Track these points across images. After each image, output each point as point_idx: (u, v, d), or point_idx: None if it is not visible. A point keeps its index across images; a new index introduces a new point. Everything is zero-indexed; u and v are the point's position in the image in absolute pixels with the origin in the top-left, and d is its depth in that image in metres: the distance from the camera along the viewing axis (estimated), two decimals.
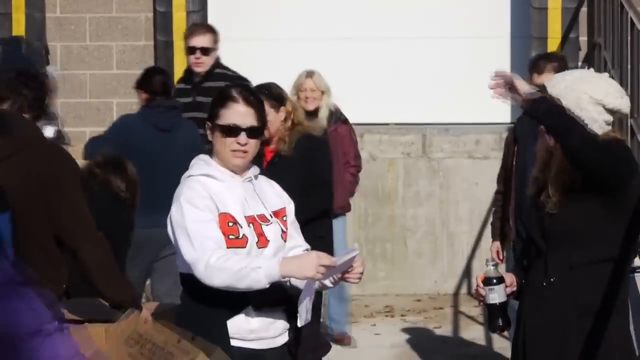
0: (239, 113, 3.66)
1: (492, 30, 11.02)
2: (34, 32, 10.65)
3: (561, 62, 6.96)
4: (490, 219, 7.69)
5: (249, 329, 3.67)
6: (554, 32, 10.54)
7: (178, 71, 9.70)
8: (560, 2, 10.52)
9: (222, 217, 3.65)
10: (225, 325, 3.68)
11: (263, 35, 11.10)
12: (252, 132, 3.65)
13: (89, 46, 10.63)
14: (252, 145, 3.72)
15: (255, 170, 3.90)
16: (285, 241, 3.80)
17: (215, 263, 3.53)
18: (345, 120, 8.58)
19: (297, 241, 3.87)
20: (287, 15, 11.42)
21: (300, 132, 6.55)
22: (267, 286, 3.52)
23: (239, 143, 3.62)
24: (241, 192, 3.75)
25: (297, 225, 4.02)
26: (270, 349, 3.78)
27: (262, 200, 3.79)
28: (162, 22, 10.64)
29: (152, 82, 7.65)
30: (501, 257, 6.77)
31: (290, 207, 3.94)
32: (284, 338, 3.74)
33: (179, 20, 10.47)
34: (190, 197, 3.73)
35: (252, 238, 3.63)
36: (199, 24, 9.07)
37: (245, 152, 3.66)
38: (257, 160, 6.05)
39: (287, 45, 11.25)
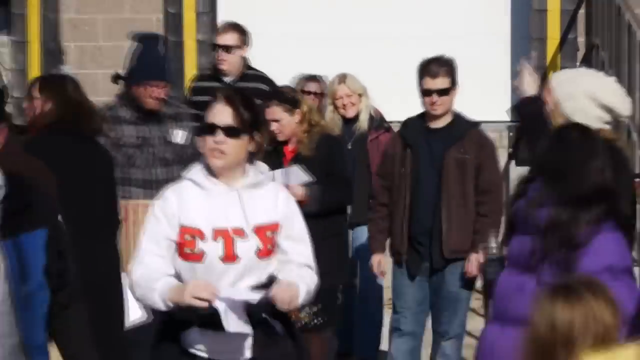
0: (217, 112, 3.64)
1: (491, 30, 11.20)
2: (49, 33, 10.95)
3: (452, 65, 6.82)
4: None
5: (204, 345, 3.71)
6: (552, 33, 10.71)
7: (188, 72, 10.26)
8: (559, 4, 10.68)
9: (181, 230, 3.63)
10: (176, 339, 3.75)
11: (272, 34, 11.14)
12: (229, 132, 3.57)
13: (102, 46, 10.92)
14: (231, 145, 3.61)
15: (251, 179, 3.79)
16: (261, 258, 3.66)
17: (135, 278, 3.69)
18: (388, 128, 8.20)
19: (291, 256, 3.76)
20: (296, 14, 11.54)
21: (319, 133, 6.60)
22: (166, 308, 3.60)
23: (215, 142, 3.57)
24: (221, 202, 3.68)
25: (301, 240, 3.88)
26: None
27: (245, 213, 3.66)
28: (172, 23, 10.80)
29: None
30: (383, 270, 6.54)
31: (288, 222, 3.79)
32: (247, 354, 3.72)
33: (189, 21, 10.68)
34: (157, 207, 3.81)
35: (215, 252, 3.59)
36: (229, 22, 8.87)
37: (222, 152, 3.58)
38: (276, 159, 6.38)
39: (297, 44, 11.34)
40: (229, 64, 8.07)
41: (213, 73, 8.55)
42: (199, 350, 3.71)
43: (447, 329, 6.37)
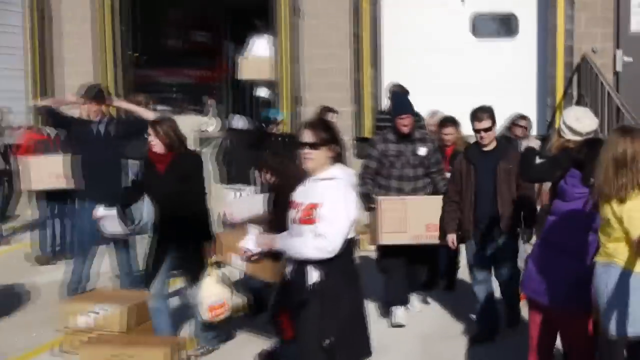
0: (304, 134, 4.72)
1: (524, 86, 14.44)
2: None
3: (491, 110, 7.74)
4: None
5: None
6: (559, 88, 14.26)
7: None
8: (563, 72, 14.18)
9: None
10: None
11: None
12: (310, 146, 4.59)
13: None
14: (313, 154, 4.63)
15: (322, 175, 4.67)
16: (295, 224, 4.71)
17: None
18: None
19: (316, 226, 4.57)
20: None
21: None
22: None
23: (303, 153, 4.65)
24: (302, 187, 4.80)
25: (324, 217, 4.55)
26: None
27: (307, 194, 4.67)
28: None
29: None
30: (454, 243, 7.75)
31: (322, 204, 4.54)
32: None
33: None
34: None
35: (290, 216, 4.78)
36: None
37: (308, 159, 4.64)
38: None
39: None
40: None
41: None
42: None
43: (504, 272, 7.56)
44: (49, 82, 16.11)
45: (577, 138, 6.17)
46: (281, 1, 15.10)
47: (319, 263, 4.46)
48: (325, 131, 4.59)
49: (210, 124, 14.81)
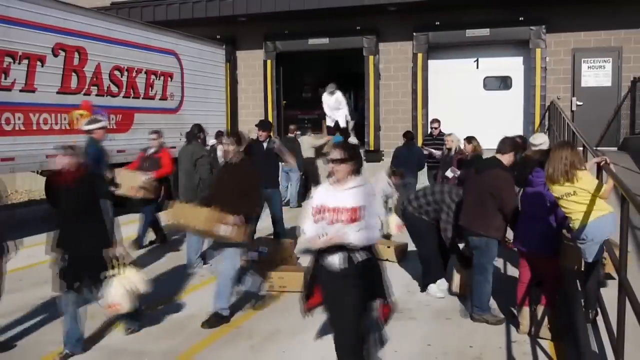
0: (334, 152, 4.08)
1: (511, 116, 14.54)
2: None
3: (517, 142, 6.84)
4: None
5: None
6: (537, 120, 14.41)
7: None
8: (539, 111, 14.30)
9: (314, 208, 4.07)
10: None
11: None
12: (338, 162, 4.00)
13: None
14: (341, 167, 4.02)
15: (352, 184, 4.03)
16: (338, 223, 3.96)
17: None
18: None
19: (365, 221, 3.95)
20: None
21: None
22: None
23: (332, 167, 4.06)
24: (326, 194, 4.10)
25: (371, 215, 3.99)
26: None
27: (341, 199, 3.99)
28: None
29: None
30: None
31: (366, 205, 3.94)
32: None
33: None
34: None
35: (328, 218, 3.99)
36: None
37: (337, 171, 4.02)
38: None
39: None
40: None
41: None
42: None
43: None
44: (235, 119, 16.93)
45: (533, 148, 6.86)
46: (370, 70, 15.59)
47: (364, 248, 4.00)
48: (348, 150, 4.06)
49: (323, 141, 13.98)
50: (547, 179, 5.00)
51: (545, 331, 5.46)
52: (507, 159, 6.01)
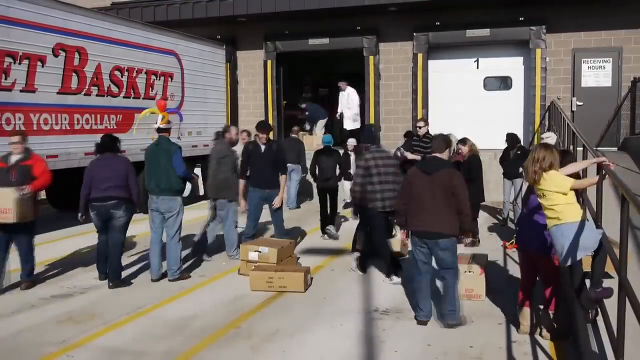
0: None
1: (511, 116, 14.61)
2: None
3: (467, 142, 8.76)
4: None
5: None
6: (537, 120, 14.41)
7: None
8: (539, 112, 14.36)
9: None
10: None
11: None
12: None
13: None
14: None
15: None
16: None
17: None
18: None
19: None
20: None
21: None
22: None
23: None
24: None
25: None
26: None
27: None
28: None
29: None
30: None
31: None
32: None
33: None
34: None
35: None
36: None
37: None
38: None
39: None
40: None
41: None
42: None
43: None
44: (235, 119, 16.82)
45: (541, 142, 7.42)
46: (370, 70, 15.64)
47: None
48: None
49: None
50: (529, 179, 5.05)
51: (545, 332, 5.46)
52: (445, 156, 6.02)
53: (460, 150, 9.27)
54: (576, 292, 5.04)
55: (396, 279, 7.31)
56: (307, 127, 16.13)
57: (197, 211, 11.46)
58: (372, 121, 15.79)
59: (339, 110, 15.41)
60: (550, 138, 8.66)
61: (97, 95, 11.51)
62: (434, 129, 11.87)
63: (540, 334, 5.50)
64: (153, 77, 13.15)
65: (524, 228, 5.64)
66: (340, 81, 15.38)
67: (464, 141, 9.29)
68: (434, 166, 5.93)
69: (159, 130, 7.74)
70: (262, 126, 8.70)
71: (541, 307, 5.55)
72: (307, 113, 15.97)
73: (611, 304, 4.23)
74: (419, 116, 15.22)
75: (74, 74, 10.98)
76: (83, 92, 11.20)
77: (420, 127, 10.88)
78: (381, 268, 7.76)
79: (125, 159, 7.66)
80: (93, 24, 11.39)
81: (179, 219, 7.50)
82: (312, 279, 7.46)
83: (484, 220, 10.41)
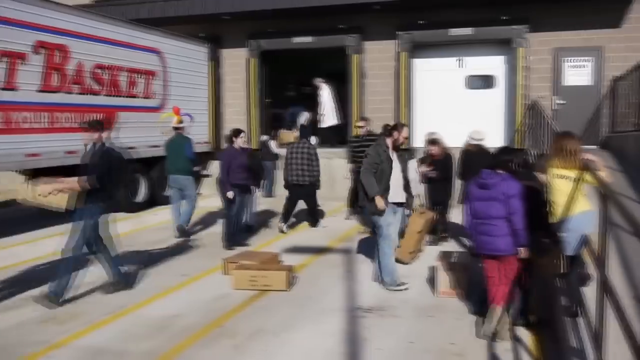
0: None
1: (494, 115, 14.63)
2: None
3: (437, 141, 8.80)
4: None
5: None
6: (518, 119, 14.44)
7: None
8: (522, 112, 14.35)
9: None
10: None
11: None
12: None
13: None
14: None
15: None
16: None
17: None
18: None
19: None
20: None
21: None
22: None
23: None
24: None
25: None
26: None
27: None
28: None
29: None
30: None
31: None
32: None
33: None
34: None
35: None
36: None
37: None
38: None
39: None
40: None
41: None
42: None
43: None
44: (219, 117, 16.86)
45: (473, 142, 8.21)
46: (354, 68, 15.64)
47: None
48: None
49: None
50: (554, 160, 5.11)
51: (504, 333, 5.39)
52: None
53: (431, 151, 9.30)
54: (581, 278, 5.05)
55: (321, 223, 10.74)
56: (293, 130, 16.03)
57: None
58: (355, 120, 15.70)
59: (321, 109, 15.67)
60: (484, 140, 8.61)
61: (78, 94, 11.43)
62: (418, 127, 11.98)
63: (500, 336, 5.41)
64: (136, 75, 13.06)
65: (483, 236, 5.47)
66: (316, 79, 15.69)
67: (434, 141, 9.30)
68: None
69: (175, 128, 10.74)
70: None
71: (497, 306, 5.43)
72: (288, 120, 16.26)
73: (591, 299, 4.27)
74: (402, 115, 15.28)
75: (55, 72, 10.89)
76: (64, 90, 11.13)
77: (361, 127, 10.96)
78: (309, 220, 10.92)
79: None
80: (74, 22, 11.29)
81: (192, 192, 10.19)
82: (295, 277, 7.47)
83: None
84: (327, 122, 15.91)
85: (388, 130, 7.20)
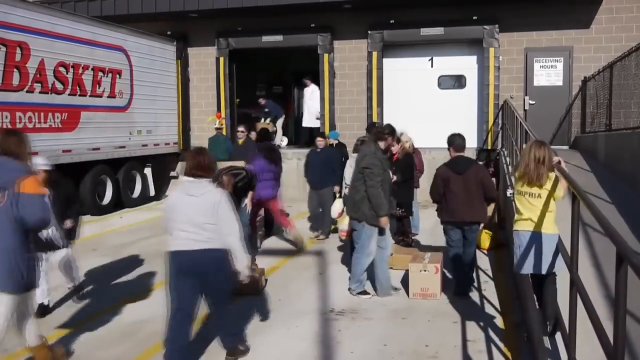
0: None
1: (465, 115, 14.90)
2: None
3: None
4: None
5: None
6: (490, 120, 14.70)
7: None
8: (493, 111, 14.59)
9: None
10: None
11: None
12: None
13: None
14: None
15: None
16: None
17: None
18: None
19: None
20: None
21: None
22: None
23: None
24: None
25: None
26: None
27: None
28: None
29: None
30: None
31: None
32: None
33: None
34: None
35: None
36: None
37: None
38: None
39: None
40: None
41: None
42: None
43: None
44: (187, 117, 16.84)
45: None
46: (325, 67, 15.73)
47: None
48: None
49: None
50: (520, 177, 4.89)
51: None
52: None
53: (391, 150, 8.77)
54: (542, 303, 4.97)
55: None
56: (267, 121, 15.95)
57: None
58: (327, 120, 15.89)
59: (304, 107, 15.79)
60: (407, 141, 8.68)
61: (40, 93, 11.30)
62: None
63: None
64: (100, 73, 12.95)
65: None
66: (305, 78, 15.84)
67: (397, 139, 8.94)
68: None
69: (217, 129, 13.11)
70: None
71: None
72: (266, 110, 15.92)
73: (563, 300, 4.34)
74: (374, 114, 15.40)
75: (15, 70, 10.72)
76: (25, 89, 10.96)
77: (242, 132, 11.83)
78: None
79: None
80: (36, 18, 11.13)
81: None
82: (266, 280, 7.46)
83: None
84: (310, 123, 15.92)
85: (380, 132, 6.98)
